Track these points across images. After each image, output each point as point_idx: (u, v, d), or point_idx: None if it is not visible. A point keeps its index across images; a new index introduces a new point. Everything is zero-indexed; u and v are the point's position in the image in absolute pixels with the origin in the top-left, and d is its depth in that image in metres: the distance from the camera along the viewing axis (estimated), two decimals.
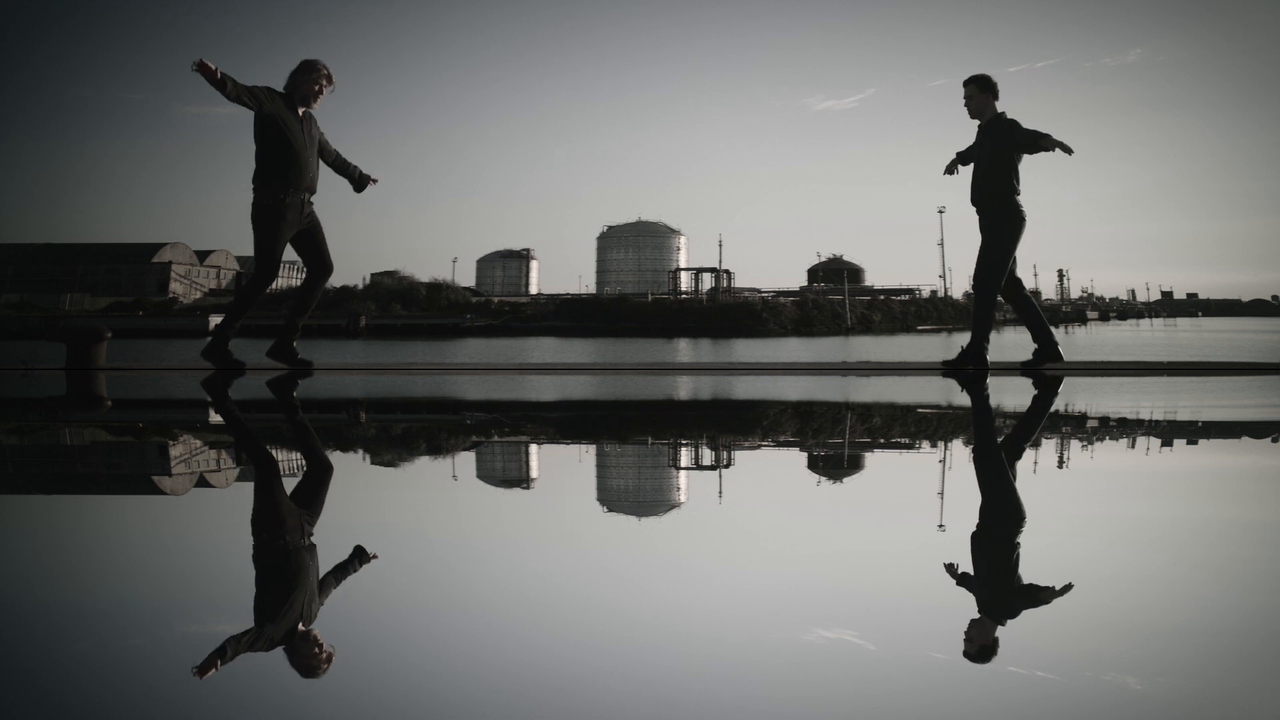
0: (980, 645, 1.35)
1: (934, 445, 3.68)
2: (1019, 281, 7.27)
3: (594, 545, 2.01)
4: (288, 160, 6.49)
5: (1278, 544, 2.06)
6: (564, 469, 3.15)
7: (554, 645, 1.33)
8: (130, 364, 9.41)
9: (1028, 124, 6.96)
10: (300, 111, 6.56)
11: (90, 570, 1.78)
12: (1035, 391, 6.00)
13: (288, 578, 1.75)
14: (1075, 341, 35.23)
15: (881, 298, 70.71)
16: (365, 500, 2.57)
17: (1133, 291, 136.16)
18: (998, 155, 7.02)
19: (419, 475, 3.05)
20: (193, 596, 1.59)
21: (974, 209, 7.21)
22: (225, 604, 1.55)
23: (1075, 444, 3.59)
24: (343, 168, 6.92)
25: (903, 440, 3.85)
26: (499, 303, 63.30)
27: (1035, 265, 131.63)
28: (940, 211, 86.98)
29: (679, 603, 1.54)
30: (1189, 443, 3.83)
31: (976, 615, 1.49)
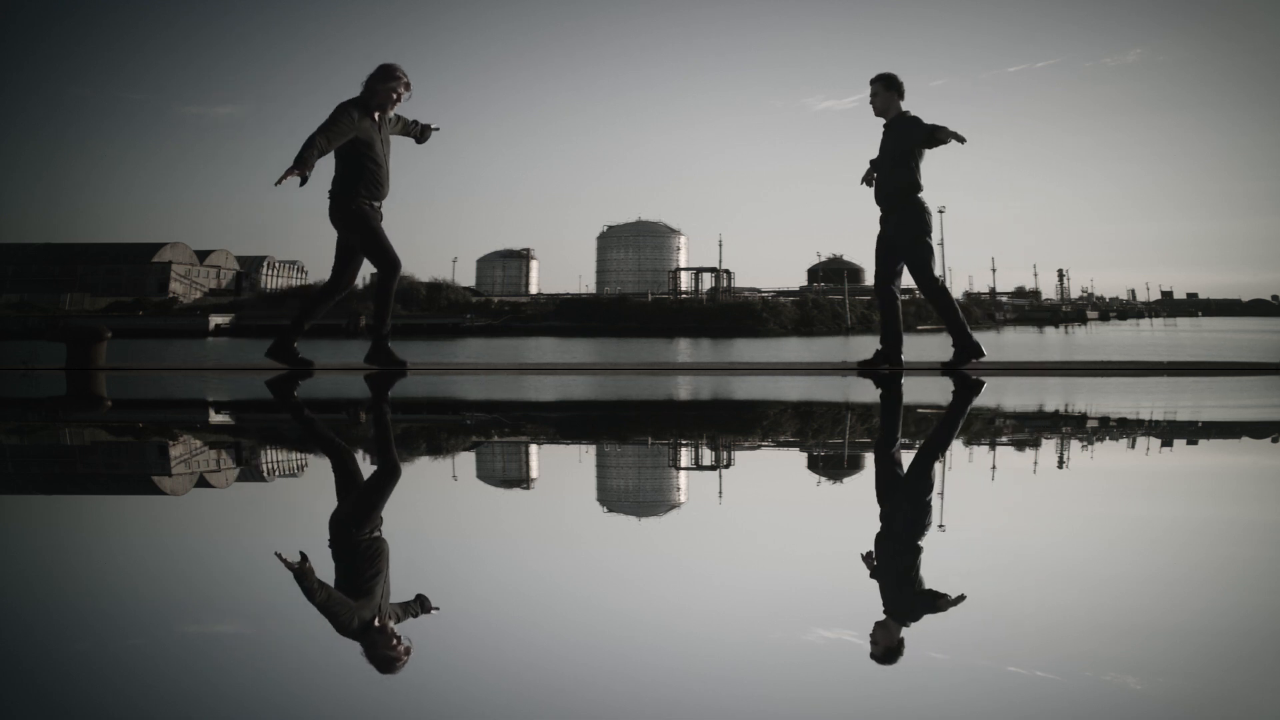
0: (980, 643, 1.35)
1: (933, 446, 3.68)
2: (895, 281, 7.26)
3: (594, 545, 2.01)
4: (370, 174, 6.54)
5: (1277, 544, 2.06)
6: (568, 468, 3.15)
7: (554, 645, 1.33)
8: (132, 364, 9.41)
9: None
10: (376, 116, 6.55)
11: (90, 570, 1.78)
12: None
13: (288, 578, 1.75)
14: (1075, 341, 35.20)
15: None
16: (367, 499, 2.57)
17: (1133, 291, 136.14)
18: (900, 152, 7.06)
19: (436, 474, 3.05)
20: (193, 596, 1.59)
21: (881, 206, 7.20)
22: (225, 604, 1.55)
23: (1069, 445, 3.59)
24: (407, 130, 6.92)
25: (904, 440, 3.85)
26: (499, 303, 63.30)
27: (1035, 265, 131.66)
28: (940, 211, 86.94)
29: (679, 603, 1.54)
30: (1189, 443, 3.83)
31: (976, 615, 1.49)
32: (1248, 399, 5.61)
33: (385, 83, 6.53)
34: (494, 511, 2.41)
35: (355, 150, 6.47)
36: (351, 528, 2.21)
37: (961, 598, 1.56)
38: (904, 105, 7.19)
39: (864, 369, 7.17)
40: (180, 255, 77.76)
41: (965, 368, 7.01)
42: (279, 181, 6.17)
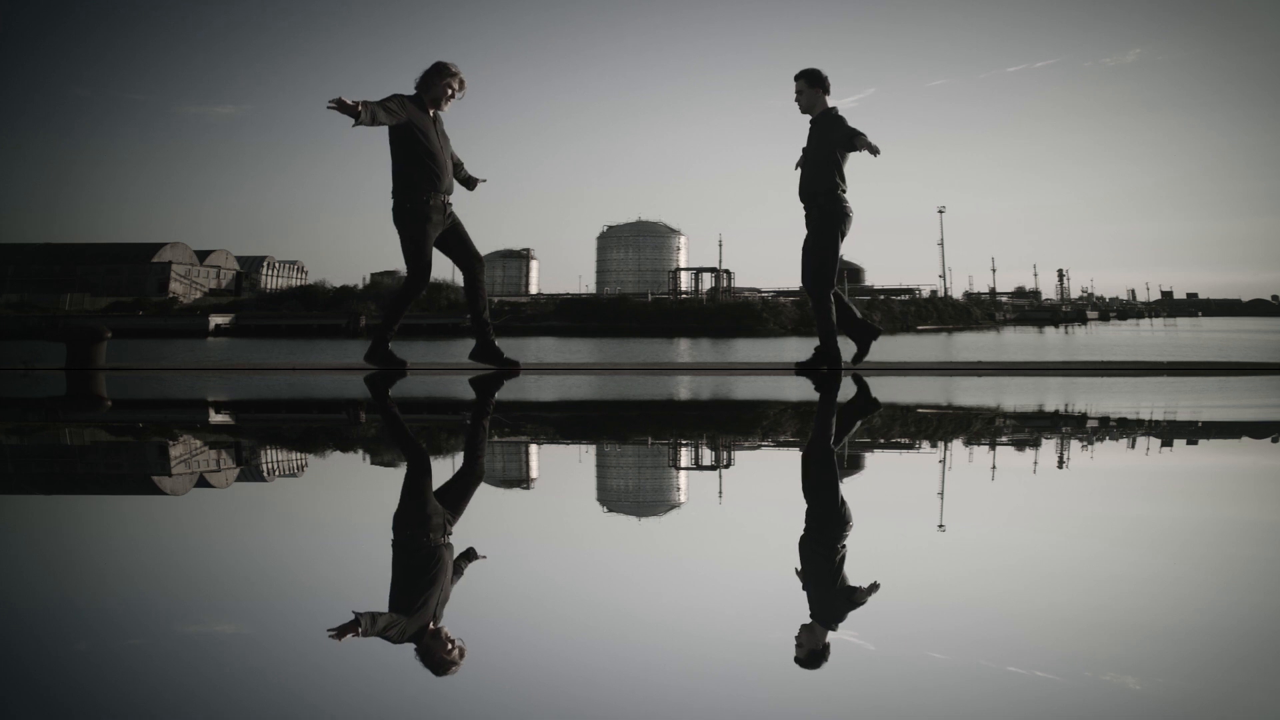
0: (985, 644, 1.35)
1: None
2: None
3: (593, 545, 2.01)
4: (426, 165, 6.50)
5: (1277, 544, 2.06)
6: (570, 467, 3.15)
7: (554, 645, 1.33)
8: (132, 364, 9.41)
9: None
10: (431, 113, 6.56)
11: (91, 570, 1.78)
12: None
13: (289, 577, 1.75)
14: (1075, 341, 35.22)
15: (881, 297, 70.75)
16: (365, 498, 2.57)
17: (1133, 291, 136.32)
18: (822, 151, 7.11)
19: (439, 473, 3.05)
20: (194, 596, 1.59)
21: (803, 202, 7.25)
22: (224, 603, 1.55)
23: (1053, 445, 3.59)
24: (456, 169, 6.88)
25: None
26: (499, 303, 63.24)
27: (1035, 265, 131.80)
28: (940, 211, 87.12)
29: (679, 603, 1.54)
30: (1180, 444, 3.83)
31: (980, 616, 1.49)
32: (1227, 399, 5.61)
33: (441, 77, 6.55)
34: (494, 510, 2.41)
35: (410, 141, 6.46)
36: (338, 527, 2.21)
37: (904, 595, 1.56)
38: (830, 101, 7.22)
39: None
40: (180, 255, 77.77)
41: (816, 368, 7.11)
42: (330, 104, 6.08)
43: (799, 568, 1.81)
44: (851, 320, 7.26)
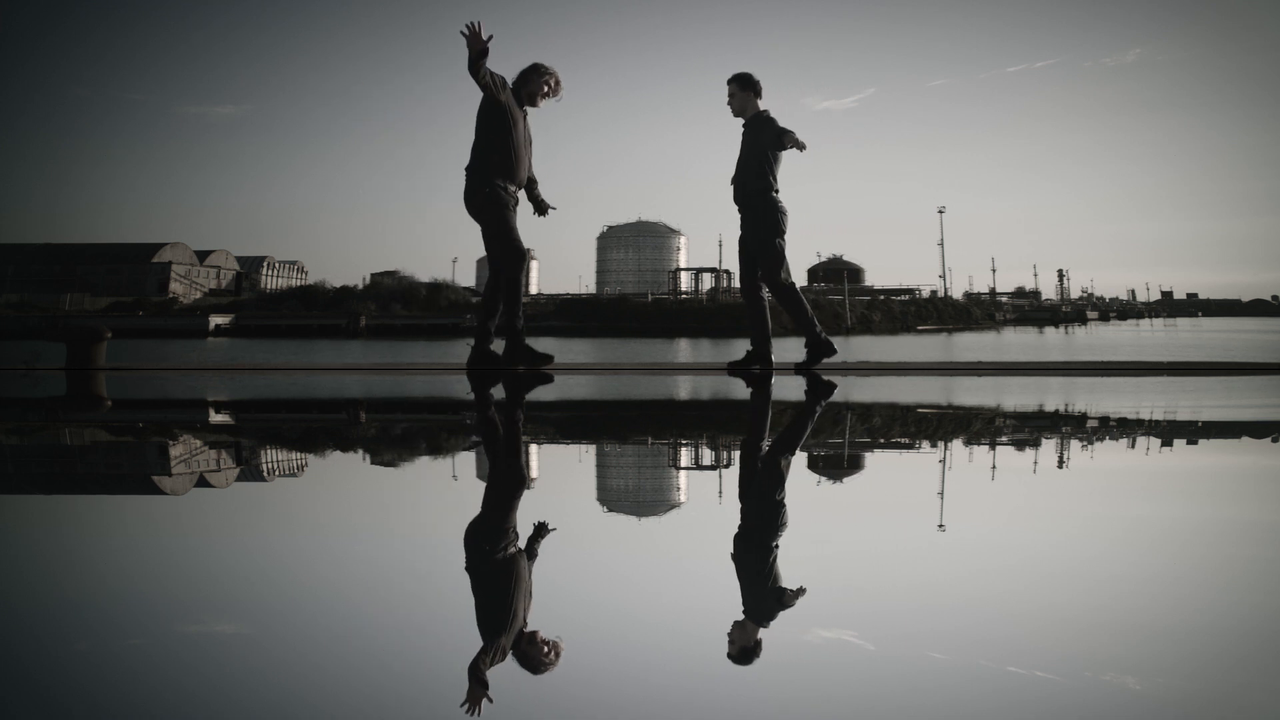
0: (986, 645, 1.35)
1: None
2: (759, 283, 7.31)
3: (593, 545, 2.01)
4: (508, 155, 6.55)
5: (1277, 544, 2.06)
6: (570, 466, 3.15)
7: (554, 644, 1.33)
8: (133, 364, 9.41)
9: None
10: (524, 110, 6.64)
11: (92, 570, 1.78)
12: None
13: (289, 577, 1.75)
14: (1075, 341, 35.22)
15: (881, 298, 70.81)
16: (362, 499, 2.57)
17: (1133, 291, 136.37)
18: (754, 153, 7.16)
19: (428, 474, 3.05)
20: (194, 596, 1.59)
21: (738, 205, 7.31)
22: (223, 603, 1.55)
23: (1048, 444, 3.59)
24: (531, 186, 6.90)
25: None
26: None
27: (1035, 265, 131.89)
28: (940, 211, 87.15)
29: (678, 602, 1.54)
30: (1179, 444, 3.83)
31: (980, 616, 1.49)
32: (1206, 399, 5.61)
33: (538, 74, 6.68)
34: (495, 510, 2.41)
35: (502, 126, 6.53)
36: (337, 527, 2.21)
37: (902, 596, 1.56)
38: (762, 104, 7.25)
39: (734, 369, 7.24)
40: (180, 255, 77.78)
41: (817, 368, 7.14)
42: (464, 30, 6.24)
43: (796, 568, 1.81)
44: (765, 333, 7.27)
